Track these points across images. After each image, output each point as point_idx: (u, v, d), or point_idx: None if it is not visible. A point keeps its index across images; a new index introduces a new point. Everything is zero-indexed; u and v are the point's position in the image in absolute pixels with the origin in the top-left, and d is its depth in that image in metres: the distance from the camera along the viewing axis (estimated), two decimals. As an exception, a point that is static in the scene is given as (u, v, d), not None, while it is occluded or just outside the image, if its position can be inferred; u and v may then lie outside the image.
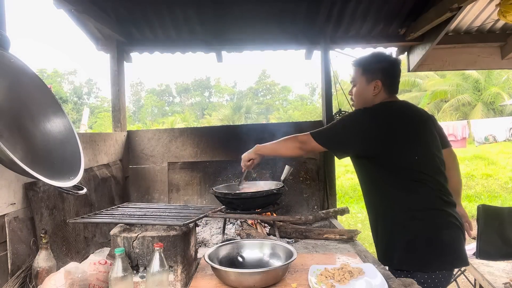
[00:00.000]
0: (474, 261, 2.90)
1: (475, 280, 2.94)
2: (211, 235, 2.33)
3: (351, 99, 2.00)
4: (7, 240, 1.48)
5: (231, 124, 21.87)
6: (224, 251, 1.65)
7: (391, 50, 3.57)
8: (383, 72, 1.85)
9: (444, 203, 1.71)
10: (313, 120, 4.85)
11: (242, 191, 2.33)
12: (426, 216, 1.68)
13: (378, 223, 1.83)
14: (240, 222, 2.31)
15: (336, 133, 1.83)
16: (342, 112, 3.19)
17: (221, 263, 1.54)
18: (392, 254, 1.72)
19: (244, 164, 2.17)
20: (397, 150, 1.71)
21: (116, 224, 1.59)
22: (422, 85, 20.34)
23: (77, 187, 1.62)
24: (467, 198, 8.78)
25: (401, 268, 1.69)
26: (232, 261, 1.62)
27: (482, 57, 3.58)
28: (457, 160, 2.09)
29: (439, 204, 1.71)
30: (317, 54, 3.41)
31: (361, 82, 1.89)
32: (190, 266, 1.57)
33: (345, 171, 11.45)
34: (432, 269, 1.65)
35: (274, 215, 2.51)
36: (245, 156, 2.16)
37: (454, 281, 3.33)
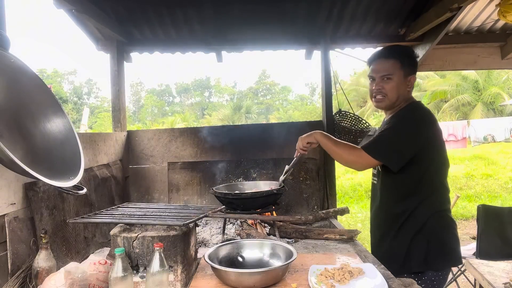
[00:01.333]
0: (474, 261, 2.90)
1: (475, 280, 2.94)
2: (211, 235, 2.33)
3: (381, 93, 1.77)
4: (7, 240, 1.47)
5: (231, 124, 21.88)
6: (224, 251, 1.65)
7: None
8: (416, 69, 1.79)
9: (449, 204, 1.80)
10: (313, 120, 4.85)
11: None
12: (440, 217, 1.73)
13: (398, 227, 1.76)
14: (240, 222, 2.31)
15: (391, 142, 1.68)
16: (342, 112, 3.19)
17: (221, 263, 1.53)
18: (410, 257, 1.72)
19: (300, 146, 1.92)
20: (439, 149, 1.73)
21: (116, 224, 1.59)
22: (422, 85, 20.35)
23: (77, 187, 1.62)
24: (467, 198, 8.78)
25: (418, 270, 1.69)
26: (232, 261, 1.62)
27: (482, 57, 3.58)
28: None
29: (449, 204, 1.79)
30: (317, 54, 3.41)
31: (399, 75, 1.73)
32: (190, 266, 1.57)
33: (345, 171, 11.44)
34: (440, 268, 1.69)
35: (274, 215, 2.51)
36: (303, 138, 1.90)
37: (454, 281, 3.33)
